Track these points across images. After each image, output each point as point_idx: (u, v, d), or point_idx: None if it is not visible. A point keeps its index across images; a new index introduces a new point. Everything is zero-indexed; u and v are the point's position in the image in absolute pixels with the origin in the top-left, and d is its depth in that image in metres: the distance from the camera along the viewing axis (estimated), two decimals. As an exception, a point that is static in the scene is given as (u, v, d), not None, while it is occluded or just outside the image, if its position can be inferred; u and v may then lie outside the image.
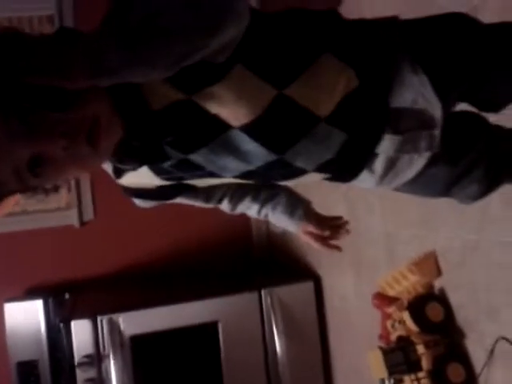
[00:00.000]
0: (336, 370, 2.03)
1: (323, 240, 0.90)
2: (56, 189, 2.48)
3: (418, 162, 0.72)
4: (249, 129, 0.63)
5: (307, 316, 2.03)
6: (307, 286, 2.06)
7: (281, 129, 0.65)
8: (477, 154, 0.77)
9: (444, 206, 1.29)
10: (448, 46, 0.73)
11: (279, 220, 0.87)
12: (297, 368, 1.97)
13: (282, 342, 1.95)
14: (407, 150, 0.70)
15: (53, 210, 2.46)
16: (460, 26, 0.75)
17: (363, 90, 0.67)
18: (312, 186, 2.29)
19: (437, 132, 0.71)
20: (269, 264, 2.59)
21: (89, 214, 2.46)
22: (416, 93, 0.69)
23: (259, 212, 0.87)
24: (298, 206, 0.88)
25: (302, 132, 0.66)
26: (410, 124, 0.69)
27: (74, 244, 2.45)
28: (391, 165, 0.73)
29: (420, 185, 0.78)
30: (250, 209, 0.87)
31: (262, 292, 1.98)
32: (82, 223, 2.44)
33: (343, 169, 0.73)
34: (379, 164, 0.72)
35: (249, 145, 0.65)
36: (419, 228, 1.42)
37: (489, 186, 0.80)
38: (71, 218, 2.43)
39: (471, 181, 0.78)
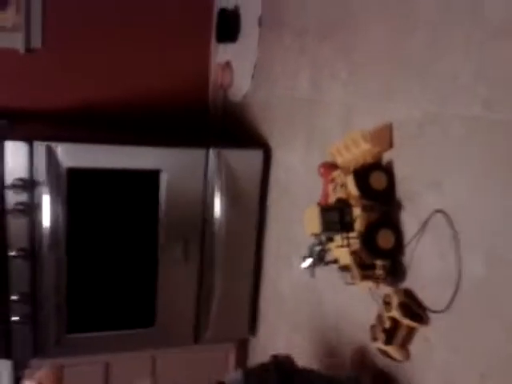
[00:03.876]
0: (269, 235, 2.08)
1: None
2: (3, 6, 2.25)
3: None
4: None
5: (251, 183, 2.02)
6: (256, 154, 2.03)
7: None
8: None
9: (412, 76, 1.25)
10: None
11: None
12: (232, 230, 2.00)
13: (221, 203, 1.95)
14: None
15: (-3, 28, 2.24)
16: None
17: None
18: (277, 49, 2.19)
19: None
20: (222, 130, 2.54)
21: (36, 42, 2.27)
22: None
23: None
24: None
25: None
26: None
27: (16, 70, 2.28)
28: None
29: None
30: None
31: (211, 151, 1.94)
32: (28, 49, 2.25)
33: None
34: None
35: None
36: (381, 99, 1.38)
37: None
38: (16, 42, 2.24)
39: None
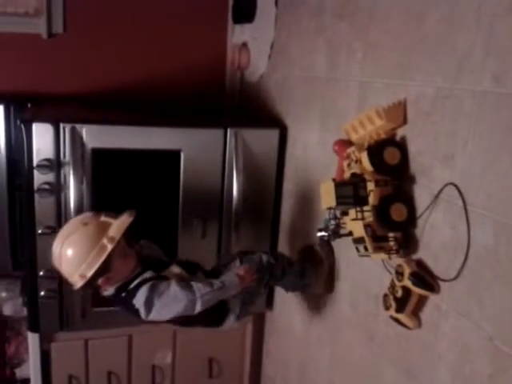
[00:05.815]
0: (285, 212, 2.13)
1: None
2: (25, -8, 2.31)
3: None
4: None
5: (267, 161, 2.08)
6: (272, 133, 2.08)
7: None
8: None
9: (425, 54, 1.28)
10: None
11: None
12: (249, 207, 2.06)
13: (239, 181, 2.00)
14: None
15: (21, 14, 2.31)
16: None
17: None
18: (294, 29, 2.22)
19: None
20: (239, 110, 2.59)
21: (58, 27, 2.33)
22: None
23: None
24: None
25: None
26: None
27: (40, 55, 2.35)
28: None
29: None
30: None
31: (228, 131, 1.99)
32: (51, 34, 2.32)
33: None
34: None
35: None
36: (395, 77, 1.41)
37: None
38: (39, 27, 2.30)
39: None
